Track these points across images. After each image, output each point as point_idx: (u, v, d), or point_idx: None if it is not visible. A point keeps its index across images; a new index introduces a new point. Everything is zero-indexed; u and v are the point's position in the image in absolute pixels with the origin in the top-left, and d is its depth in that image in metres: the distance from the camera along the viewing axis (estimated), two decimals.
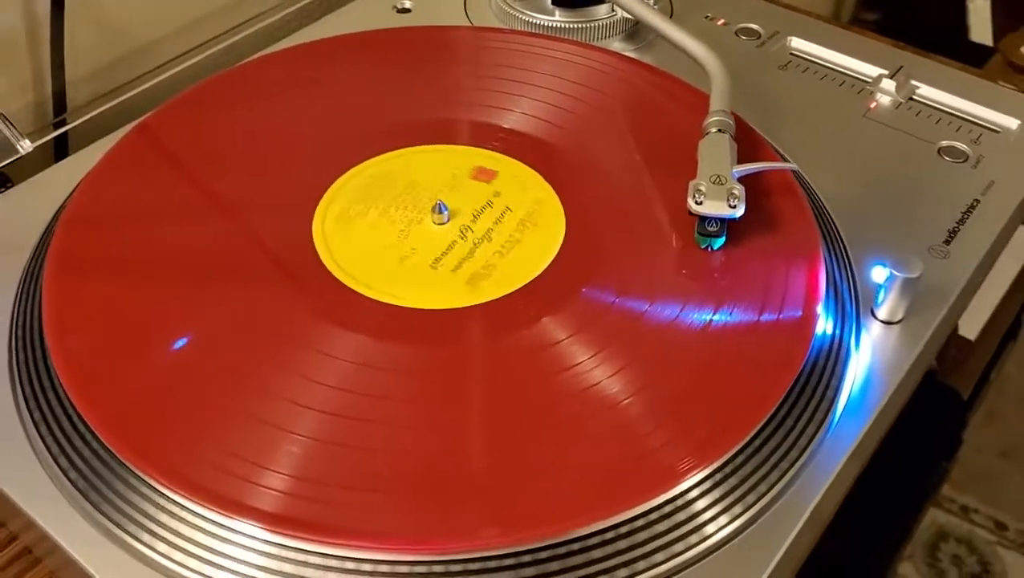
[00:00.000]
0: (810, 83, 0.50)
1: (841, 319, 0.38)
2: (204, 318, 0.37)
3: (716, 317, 0.37)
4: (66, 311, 0.37)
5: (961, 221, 0.43)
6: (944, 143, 0.47)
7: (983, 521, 1.11)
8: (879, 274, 0.38)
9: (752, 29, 0.54)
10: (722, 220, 0.38)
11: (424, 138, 0.45)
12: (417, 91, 0.47)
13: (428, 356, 0.36)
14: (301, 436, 0.33)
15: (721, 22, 0.54)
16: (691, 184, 0.38)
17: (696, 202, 0.38)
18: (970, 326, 0.65)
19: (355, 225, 0.40)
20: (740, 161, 0.40)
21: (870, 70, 0.51)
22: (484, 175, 0.43)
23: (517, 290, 0.38)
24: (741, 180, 0.39)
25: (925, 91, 0.50)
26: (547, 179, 0.42)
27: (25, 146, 0.44)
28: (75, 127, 0.50)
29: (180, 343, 0.36)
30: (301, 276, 0.38)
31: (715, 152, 0.40)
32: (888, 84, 0.49)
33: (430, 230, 0.40)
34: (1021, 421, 1.20)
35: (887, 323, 0.38)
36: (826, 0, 1.26)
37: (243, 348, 0.36)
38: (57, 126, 0.49)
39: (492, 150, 0.44)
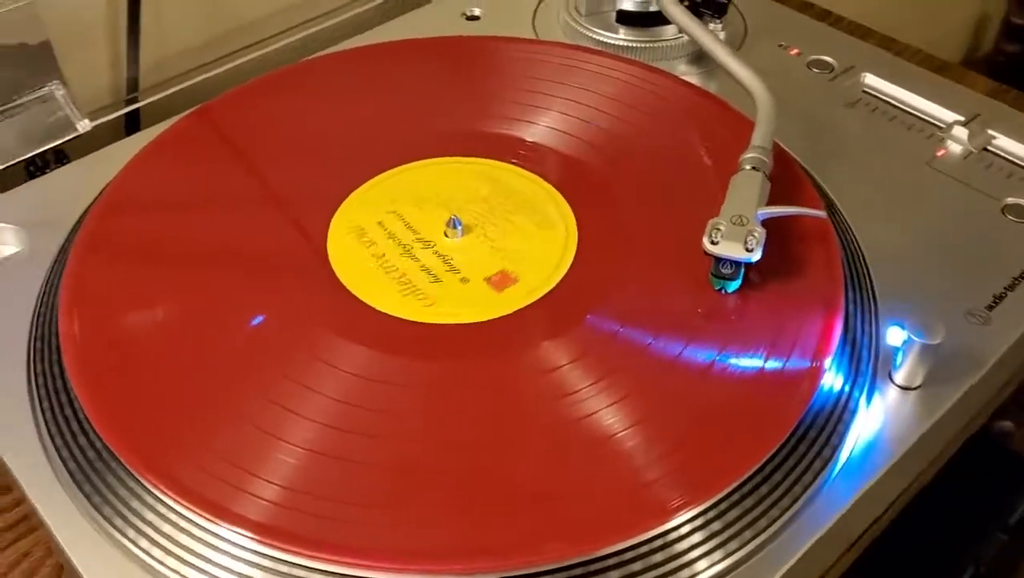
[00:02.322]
0: (877, 123, 0.48)
1: (853, 376, 0.36)
2: (215, 319, 0.37)
3: (720, 358, 0.36)
4: (81, 298, 0.37)
5: (1010, 287, 0.40)
6: (1010, 200, 0.44)
7: None
8: (896, 336, 0.36)
9: (825, 62, 0.52)
10: (737, 263, 0.37)
11: (456, 149, 0.45)
12: (459, 102, 0.48)
13: (428, 371, 0.36)
14: (300, 447, 0.33)
15: (794, 52, 0.52)
16: (710, 222, 0.37)
17: (712, 241, 0.37)
18: None
19: (369, 235, 0.41)
20: (773, 201, 0.39)
21: (945, 115, 0.48)
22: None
23: (520, 310, 0.38)
24: (765, 223, 0.37)
25: (1002, 142, 0.47)
26: (567, 198, 0.42)
27: (84, 125, 0.45)
28: (147, 106, 0.52)
29: (184, 337, 0.36)
30: (312, 284, 0.39)
31: (744, 190, 0.39)
32: (960, 131, 0.47)
33: (443, 243, 0.40)
34: None
35: (904, 388, 0.36)
36: (964, 32, 1.20)
37: (251, 353, 0.36)
38: (129, 103, 0.52)
39: (514, 165, 0.44)
